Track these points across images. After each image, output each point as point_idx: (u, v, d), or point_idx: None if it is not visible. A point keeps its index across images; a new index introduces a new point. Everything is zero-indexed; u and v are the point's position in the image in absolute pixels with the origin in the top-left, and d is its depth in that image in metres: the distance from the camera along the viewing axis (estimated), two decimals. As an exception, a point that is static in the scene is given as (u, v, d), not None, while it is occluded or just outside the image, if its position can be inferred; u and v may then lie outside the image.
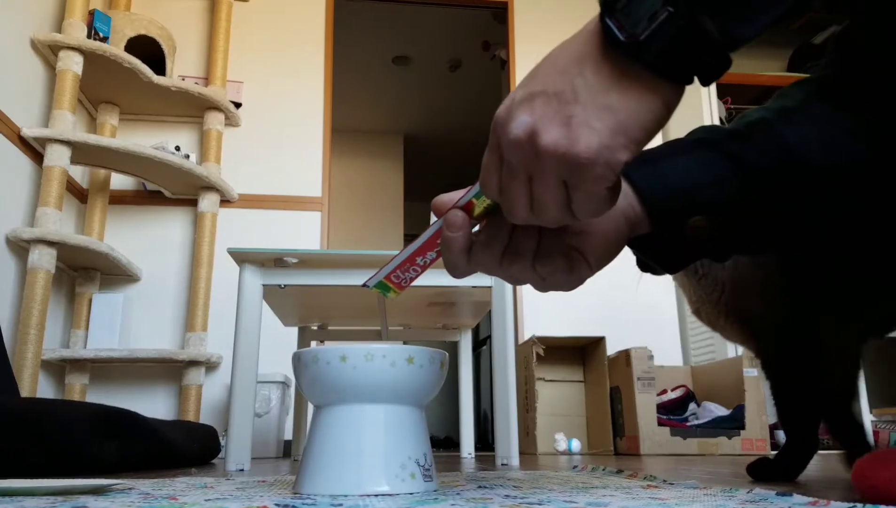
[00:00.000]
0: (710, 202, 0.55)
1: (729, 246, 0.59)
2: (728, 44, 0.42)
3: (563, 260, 0.52)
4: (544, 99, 0.43)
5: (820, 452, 0.92)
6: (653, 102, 0.42)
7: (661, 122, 0.43)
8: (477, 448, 3.27)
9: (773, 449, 2.34)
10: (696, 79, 0.43)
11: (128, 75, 2.56)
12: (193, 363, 2.61)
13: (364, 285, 0.61)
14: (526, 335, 3.04)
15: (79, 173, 2.76)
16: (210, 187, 2.78)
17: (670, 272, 0.61)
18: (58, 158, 2.25)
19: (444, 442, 5.16)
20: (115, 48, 2.47)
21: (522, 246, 0.51)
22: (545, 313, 3.12)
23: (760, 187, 0.55)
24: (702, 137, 0.58)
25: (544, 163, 0.43)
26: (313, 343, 2.26)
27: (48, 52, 2.39)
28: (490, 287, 1.59)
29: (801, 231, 0.59)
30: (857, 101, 0.58)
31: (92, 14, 2.50)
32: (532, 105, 0.43)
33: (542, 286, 0.53)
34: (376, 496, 0.60)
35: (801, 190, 0.56)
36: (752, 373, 2.35)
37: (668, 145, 0.58)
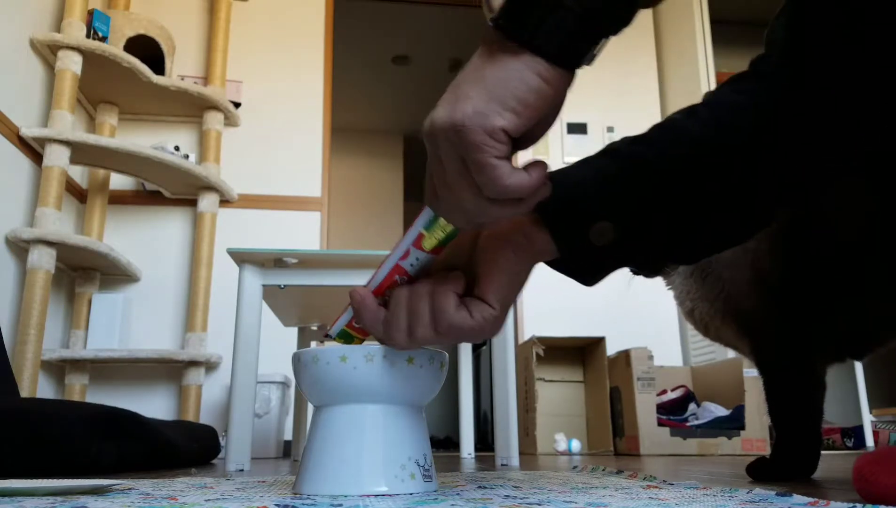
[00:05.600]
0: (607, 205, 0.54)
1: (645, 252, 0.57)
2: (582, 18, 0.43)
3: (462, 310, 0.53)
4: (447, 92, 0.47)
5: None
6: (522, 72, 0.44)
7: (538, 94, 0.44)
8: (477, 449, 3.27)
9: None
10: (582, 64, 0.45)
11: (127, 75, 2.56)
12: (193, 364, 2.61)
13: (326, 335, 0.63)
14: (526, 335, 3.04)
15: (78, 173, 2.76)
16: (209, 187, 2.78)
17: (588, 285, 0.59)
18: (57, 158, 2.25)
19: (443, 442, 5.16)
20: (114, 48, 2.47)
21: (420, 309, 0.54)
22: (545, 313, 3.12)
23: (654, 178, 0.54)
24: (606, 148, 0.57)
25: (439, 140, 0.46)
26: (313, 344, 2.26)
27: (47, 52, 2.39)
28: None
29: (713, 222, 0.56)
30: (753, 81, 0.57)
31: (91, 14, 2.50)
32: (439, 102, 0.47)
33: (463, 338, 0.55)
34: (376, 496, 0.60)
35: (693, 171, 0.54)
36: (752, 373, 2.35)
37: (573, 163, 0.58)
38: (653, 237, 0.55)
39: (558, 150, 3.37)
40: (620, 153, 0.56)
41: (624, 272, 0.63)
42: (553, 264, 0.58)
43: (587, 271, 0.58)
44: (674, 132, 0.56)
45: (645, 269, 0.61)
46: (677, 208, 0.54)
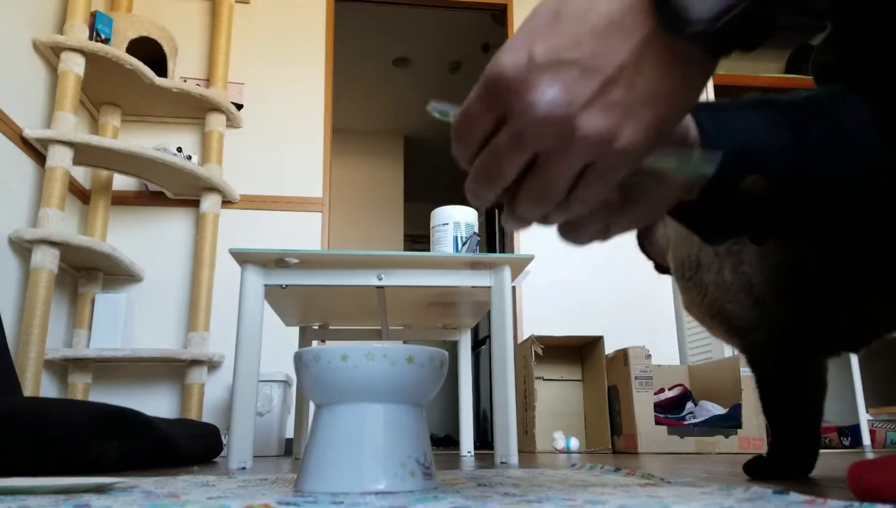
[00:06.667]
0: (770, 166, 0.51)
1: (774, 221, 0.55)
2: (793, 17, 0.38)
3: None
4: (579, 73, 0.36)
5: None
6: (697, 85, 0.39)
7: (695, 103, 0.41)
8: (476, 447, 3.28)
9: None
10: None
11: (129, 77, 2.56)
12: (196, 363, 2.61)
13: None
14: (525, 334, 3.05)
15: (81, 174, 2.77)
16: (212, 188, 2.79)
17: (710, 243, 0.58)
18: (60, 159, 2.26)
19: (443, 441, 5.17)
20: (117, 50, 2.48)
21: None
22: (544, 312, 3.13)
23: (818, 163, 0.52)
24: (764, 98, 0.55)
25: (575, 148, 0.37)
26: (314, 343, 2.27)
27: (50, 54, 2.39)
28: (489, 287, 1.60)
29: (844, 216, 0.56)
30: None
31: (93, 15, 2.51)
32: (562, 76, 0.36)
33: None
34: (376, 494, 0.61)
35: (852, 172, 0.53)
36: (749, 372, 2.35)
37: (733, 101, 0.54)
38: (793, 213, 0.54)
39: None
40: (783, 112, 0.53)
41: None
42: (677, 213, 0.54)
43: (714, 224, 0.55)
44: (828, 116, 0.54)
45: (761, 240, 0.59)
46: (826, 194, 0.53)
